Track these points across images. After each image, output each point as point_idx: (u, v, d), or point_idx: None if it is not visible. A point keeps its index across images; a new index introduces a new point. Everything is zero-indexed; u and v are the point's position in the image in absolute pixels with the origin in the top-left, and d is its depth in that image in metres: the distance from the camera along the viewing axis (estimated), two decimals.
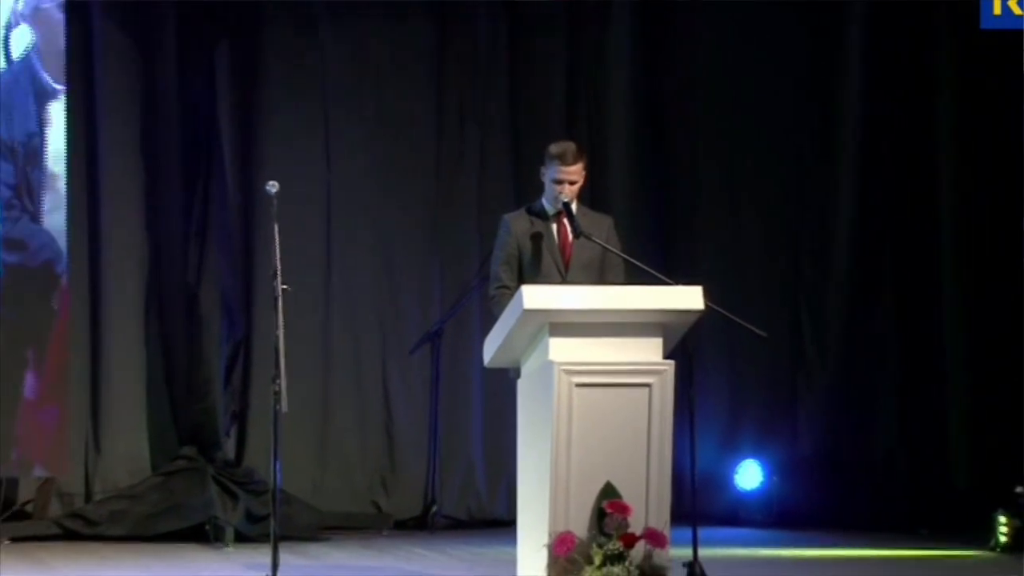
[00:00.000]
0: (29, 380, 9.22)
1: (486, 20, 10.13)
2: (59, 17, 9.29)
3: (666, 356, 6.80)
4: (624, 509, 6.61)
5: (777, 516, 9.95)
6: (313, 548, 8.76)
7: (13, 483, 9.36)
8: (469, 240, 9.93)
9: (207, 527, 9.09)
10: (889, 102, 10.29)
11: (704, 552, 6.98)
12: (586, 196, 7.36)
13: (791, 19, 10.27)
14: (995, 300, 9.95)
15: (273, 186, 7.00)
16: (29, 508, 9.41)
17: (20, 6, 9.26)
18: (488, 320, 7.18)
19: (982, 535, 8.98)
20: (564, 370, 6.63)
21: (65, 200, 9.34)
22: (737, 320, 7.16)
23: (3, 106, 9.18)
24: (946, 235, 10.22)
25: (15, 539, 9.07)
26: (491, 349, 7.03)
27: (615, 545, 6.55)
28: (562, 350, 6.68)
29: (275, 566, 6.66)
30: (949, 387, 10.19)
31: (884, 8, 10.22)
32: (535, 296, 6.71)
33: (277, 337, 6.78)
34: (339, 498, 9.78)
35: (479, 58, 10.15)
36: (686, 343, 6.94)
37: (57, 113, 9.31)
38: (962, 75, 10.16)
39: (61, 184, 9.33)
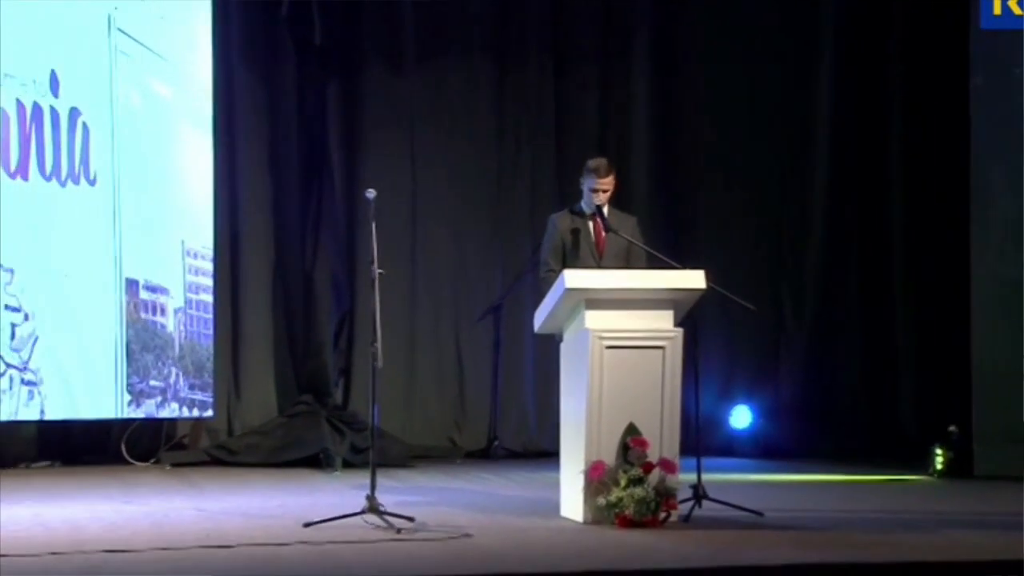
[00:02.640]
0: None
1: (535, 61, 10.14)
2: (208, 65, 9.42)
3: (676, 325, 6.83)
4: (643, 443, 6.64)
5: (763, 449, 9.96)
6: (402, 473, 8.83)
7: (173, 423, 9.47)
8: (523, 234, 9.95)
9: (320, 456, 9.17)
10: (852, 121, 10.30)
11: (706, 477, 6.98)
12: (614, 198, 7.38)
13: (771, 54, 10.26)
14: (935, 282, 9.94)
15: (371, 193, 7.03)
16: (185, 441, 9.53)
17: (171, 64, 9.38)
18: (537, 296, 7.20)
19: (923, 464, 8.97)
20: (597, 336, 6.68)
21: (212, 203, 9.42)
22: (732, 297, 7.17)
23: None
24: (897, 229, 10.24)
25: (175, 465, 9.20)
26: (540, 319, 7.07)
27: (636, 471, 6.59)
28: (596, 320, 6.72)
29: (373, 486, 6.70)
30: (898, 350, 10.22)
31: (849, 35, 10.26)
32: (575, 278, 6.75)
33: (374, 309, 6.83)
34: (422, 434, 9.84)
35: (530, 91, 10.16)
36: (692, 315, 6.96)
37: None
38: (911, 90, 10.14)
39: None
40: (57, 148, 8.99)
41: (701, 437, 7.27)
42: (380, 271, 6.87)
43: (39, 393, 8.99)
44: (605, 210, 7.22)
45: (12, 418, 9.01)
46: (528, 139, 10.15)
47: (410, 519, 6.58)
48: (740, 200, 10.30)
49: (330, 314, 9.77)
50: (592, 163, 7.28)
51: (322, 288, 9.77)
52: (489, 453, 9.78)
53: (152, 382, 9.26)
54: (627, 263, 7.17)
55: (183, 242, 9.33)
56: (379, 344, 6.77)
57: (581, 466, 6.68)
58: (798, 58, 10.30)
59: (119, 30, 9.15)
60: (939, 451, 8.91)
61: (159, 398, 9.28)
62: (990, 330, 8.92)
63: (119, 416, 9.22)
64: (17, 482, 8.46)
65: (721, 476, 7.81)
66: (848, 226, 10.31)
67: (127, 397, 9.19)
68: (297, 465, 9.15)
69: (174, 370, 9.31)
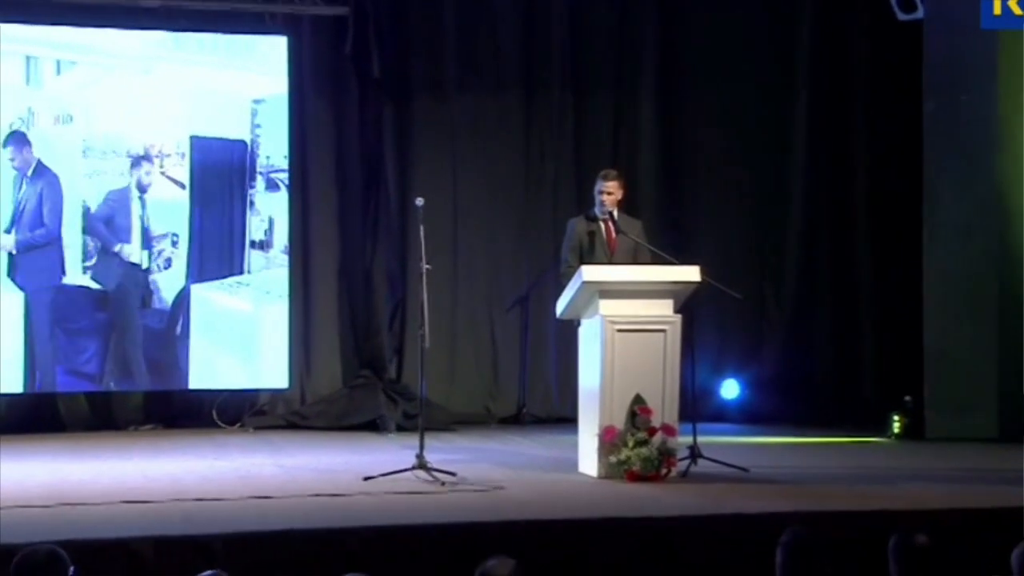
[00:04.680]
0: None
1: (557, 89, 10.08)
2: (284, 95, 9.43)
3: (676, 312, 6.84)
4: (648, 411, 6.66)
5: (749, 416, 9.89)
6: (445, 435, 8.82)
7: (255, 393, 9.49)
8: (546, 235, 9.88)
9: (378, 421, 9.18)
10: (825, 141, 10.27)
11: (700, 439, 6.99)
12: (624, 205, 7.38)
13: (758, 83, 10.21)
14: (893, 276, 9.92)
15: (419, 201, 7.06)
16: (265, 408, 9.53)
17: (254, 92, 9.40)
18: (559, 288, 7.21)
19: (882, 428, 8.95)
20: (610, 321, 6.70)
21: (287, 210, 9.43)
22: (723, 288, 7.17)
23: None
24: (862, 232, 10.22)
25: (257, 428, 9.24)
26: (561, 306, 7.09)
27: (642, 435, 6.62)
28: (608, 308, 6.74)
29: (421, 447, 6.74)
30: (862, 332, 10.18)
31: (822, 69, 10.18)
32: (591, 272, 6.78)
33: (422, 299, 6.86)
34: (462, 403, 9.80)
35: (552, 114, 10.11)
36: (689, 303, 6.97)
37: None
38: (873, 114, 10.11)
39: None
40: None
41: (696, 406, 7.29)
42: (427, 266, 6.90)
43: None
44: (615, 215, 7.23)
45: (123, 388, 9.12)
46: (551, 155, 10.11)
47: (452, 474, 6.61)
48: (731, 206, 10.26)
49: (386, 302, 9.76)
50: (604, 173, 7.32)
51: (379, 281, 9.76)
52: (519, 419, 9.77)
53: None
54: (635, 260, 7.19)
55: (263, 242, 9.38)
56: (426, 328, 6.80)
57: (596, 430, 6.70)
58: (779, 88, 10.26)
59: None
60: (896, 417, 8.89)
61: (244, 373, 9.32)
62: (939, 316, 8.91)
63: (211, 387, 9.27)
64: (126, 442, 8.54)
65: (713, 439, 7.80)
66: (821, 228, 10.28)
67: (218, 371, 9.23)
68: (358, 429, 9.17)
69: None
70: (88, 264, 9.00)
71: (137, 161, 9.02)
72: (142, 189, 9.07)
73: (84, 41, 9.02)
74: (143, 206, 9.07)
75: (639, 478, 6.56)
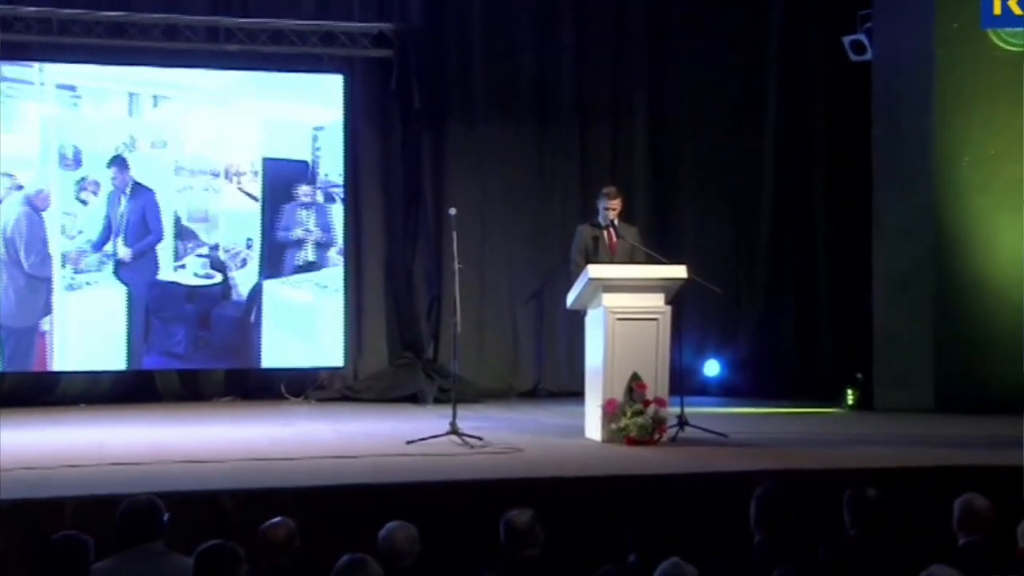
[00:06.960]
0: None
1: (566, 119, 10.02)
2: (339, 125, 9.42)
3: (666, 303, 6.82)
4: (643, 386, 6.66)
5: (727, 390, 9.85)
6: (474, 407, 8.77)
7: (316, 371, 9.47)
8: (557, 239, 9.76)
9: (417, 395, 9.17)
10: (790, 160, 10.23)
11: (687, 410, 6.98)
12: (623, 215, 7.36)
13: (733, 112, 10.16)
14: (847, 271, 9.88)
15: (452, 211, 7.06)
16: (325, 383, 9.51)
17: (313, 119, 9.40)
18: (568, 284, 7.19)
19: (839, 400, 8.89)
20: (611, 311, 6.70)
21: (343, 219, 9.42)
22: (705, 283, 7.15)
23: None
24: (820, 236, 10.19)
25: (318, 400, 9.24)
26: (570, 299, 7.08)
27: (638, 406, 6.61)
28: (610, 300, 6.74)
29: (454, 416, 6.75)
30: (821, 319, 10.15)
31: (788, 100, 10.12)
32: (596, 271, 6.78)
33: (454, 292, 6.86)
34: (488, 379, 9.74)
35: (562, 140, 10.05)
36: (677, 296, 6.95)
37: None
38: (831, 138, 10.06)
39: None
40: None
41: (683, 382, 7.27)
42: (459, 266, 6.91)
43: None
44: (616, 223, 7.21)
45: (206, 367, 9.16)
46: (560, 172, 10.07)
47: (480, 439, 6.62)
48: (712, 215, 10.20)
49: (424, 296, 9.74)
50: (606, 189, 7.31)
51: (419, 278, 9.75)
52: (535, 393, 9.75)
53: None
54: (632, 260, 7.18)
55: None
56: (458, 317, 6.81)
57: (599, 402, 6.70)
58: (752, 117, 10.20)
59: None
60: (850, 391, 8.85)
61: (307, 354, 9.32)
62: (886, 305, 8.88)
63: (280, 366, 9.27)
64: (209, 411, 8.58)
65: (698, 409, 7.77)
66: (786, 233, 10.23)
67: (285, 353, 9.24)
68: (401, 401, 9.15)
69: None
70: (178, 264, 9.06)
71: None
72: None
73: (176, 80, 9.12)
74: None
75: (636, 442, 6.55)
